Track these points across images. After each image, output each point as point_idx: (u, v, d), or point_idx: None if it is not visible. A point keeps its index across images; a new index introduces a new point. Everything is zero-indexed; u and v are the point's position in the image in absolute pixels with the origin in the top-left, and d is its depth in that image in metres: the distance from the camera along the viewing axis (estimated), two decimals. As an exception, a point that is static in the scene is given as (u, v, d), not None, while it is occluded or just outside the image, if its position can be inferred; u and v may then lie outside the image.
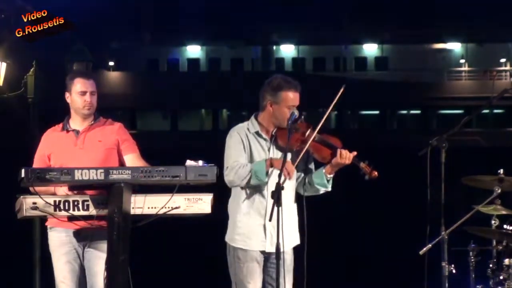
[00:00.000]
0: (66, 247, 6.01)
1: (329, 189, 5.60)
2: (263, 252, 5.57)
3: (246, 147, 5.59)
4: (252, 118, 5.68)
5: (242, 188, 5.57)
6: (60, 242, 6.01)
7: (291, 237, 5.60)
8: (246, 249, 5.55)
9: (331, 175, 5.51)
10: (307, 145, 5.38)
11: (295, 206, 5.68)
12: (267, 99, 5.58)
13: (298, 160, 5.41)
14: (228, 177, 5.54)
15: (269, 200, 5.39)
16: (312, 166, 5.68)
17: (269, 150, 5.58)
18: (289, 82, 5.59)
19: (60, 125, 6.21)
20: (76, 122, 6.16)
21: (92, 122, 6.16)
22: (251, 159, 5.57)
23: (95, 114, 6.20)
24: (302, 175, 5.62)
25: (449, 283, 6.15)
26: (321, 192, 5.62)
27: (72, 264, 5.99)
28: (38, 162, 6.13)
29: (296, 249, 5.76)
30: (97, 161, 5.94)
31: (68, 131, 6.15)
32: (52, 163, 6.06)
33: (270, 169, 5.43)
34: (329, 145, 5.47)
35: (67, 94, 6.19)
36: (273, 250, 5.46)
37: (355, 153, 5.45)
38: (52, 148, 6.10)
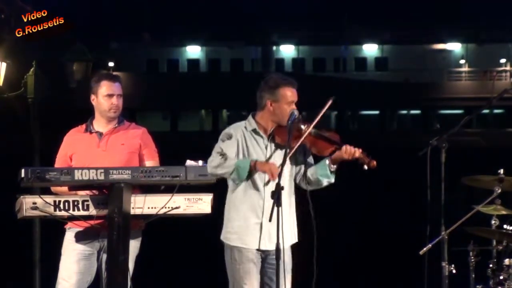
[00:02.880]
0: (81, 246, 5.97)
1: (332, 180, 5.58)
2: (259, 251, 5.56)
3: (241, 144, 5.58)
4: (250, 117, 5.69)
5: (238, 185, 5.55)
6: (75, 240, 5.98)
7: (289, 235, 5.59)
8: (242, 247, 5.54)
9: (335, 166, 5.52)
10: (303, 138, 5.39)
11: (293, 202, 5.66)
12: (266, 98, 5.59)
13: (291, 153, 5.40)
14: (213, 162, 5.48)
15: (267, 199, 5.39)
16: (311, 159, 5.68)
17: (266, 147, 5.58)
18: (285, 79, 5.61)
19: (83, 126, 6.17)
20: (100, 124, 6.14)
21: (116, 125, 6.14)
22: (247, 157, 5.57)
23: (119, 117, 6.17)
24: (302, 169, 5.61)
25: (449, 283, 6.15)
26: (324, 184, 5.60)
27: (80, 265, 5.96)
28: (60, 162, 6.11)
29: (295, 249, 5.74)
30: (119, 164, 5.89)
31: (91, 132, 6.11)
32: (74, 163, 6.03)
33: (254, 171, 5.42)
34: (327, 139, 5.47)
35: (92, 97, 6.13)
36: (271, 248, 5.45)
37: (360, 150, 5.46)
38: (75, 148, 6.08)
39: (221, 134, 5.68)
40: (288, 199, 5.60)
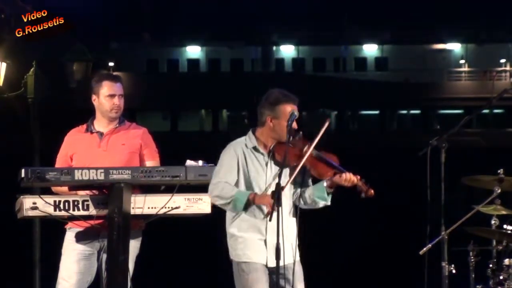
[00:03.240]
0: (81, 246, 5.97)
1: (329, 203, 5.54)
2: (267, 267, 5.53)
3: (241, 163, 5.54)
4: (250, 133, 5.65)
5: None
6: (75, 240, 5.98)
7: (296, 249, 5.55)
8: (249, 261, 5.52)
9: (331, 190, 5.49)
10: (304, 160, 5.36)
11: (294, 220, 5.61)
12: (266, 114, 5.55)
13: (294, 175, 5.39)
14: (212, 192, 5.49)
15: (263, 214, 5.41)
16: (310, 181, 5.65)
17: (266, 165, 5.55)
18: (286, 96, 5.56)
19: (84, 126, 6.17)
20: (100, 124, 6.14)
21: (117, 125, 6.14)
22: (248, 175, 5.54)
23: (120, 117, 6.17)
24: (299, 189, 5.58)
25: (449, 283, 6.15)
26: (320, 206, 5.57)
27: (80, 265, 5.96)
28: (60, 162, 6.11)
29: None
30: (119, 164, 5.90)
31: (92, 132, 6.12)
32: (74, 163, 6.03)
33: (252, 205, 5.41)
34: (327, 163, 5.44)
35: (93, 97, 6.13)
36: (275, 265, 5.44)
37: (358, 177, 5.42)
38: (75, 148, 6.08)
39: (222, 153, 5.63)
40: (289, 217, 5.55)
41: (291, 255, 5.42)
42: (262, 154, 5.56)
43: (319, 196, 5.50)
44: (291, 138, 5.42)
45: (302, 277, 5.60)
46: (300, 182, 5.56)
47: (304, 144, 5.45)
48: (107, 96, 6.06)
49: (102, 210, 5.71)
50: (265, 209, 5.39)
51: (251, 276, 5.49)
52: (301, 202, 5.56)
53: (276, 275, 5.30)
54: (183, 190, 5.77)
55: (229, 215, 5.57)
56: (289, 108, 5.51)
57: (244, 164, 5.53)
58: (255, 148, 5.56)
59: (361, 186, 5.39)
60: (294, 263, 5.35)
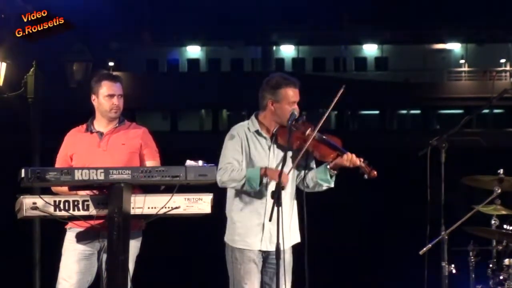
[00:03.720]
0: (81, 246, 5.98)
1: (332, 185, 5.58)
2: (261, 251, 5.56)
3: (244, 147, 5.58)
4: (253, 117, 5.69)
5: (241, 189, 5.57)
6: (75, 240, 5.98)
7: (290, 235, 5.60)
8: (245, 249, 5.56)
9: (335, 172, 5.50)
10: (307, 143, 5.39)
11: (294, 203, 5.67)
12: (267, 98, 5.58)
13: (298, 159, 5.41)
14: (222, 177, 5.52)
15: (269, 199, 5.40)
16: (313, 164, 5.69)
17: (269, 148, 5.59)
18: (287, 79, 5.60)
19: (84, 126, 6.18)
20: (100, 124, 6.14)
21: (117, 125, 6.14)
22: (250, 158, 5.58)
23: (120, 117, 6.17)
24: (303, 172, 5.61)
25: (449, 283, 6.15)
26: (324, 188, 5.60)
27: (81, 265, 5.97)
28: (60, 162, 6.12)
29: (297, 249, 5.75)
30: (119, 164, 5.90)
31: (92, 132, 6.12)
32: (74, 163, 6.04)
33: (265, 179, 5.43)
34: (330, 145, 5.47)
35: (93, 97, 6.13)
36: (272, 248, 5.46)
37: (361, 159, 5.44)
38: (75, 148, 6.09)
39: (226, 138, 5.67)
40: (290, 201, 5.60)
41: (287, 240, 5.43)
42: (265, 138, 5.59)
43: (321, 179, 5.52)
44: (293, 129, 5.44)
45: (291, 265, 5.62)
46: (303, 165, 5.59)
47: (306, 127, 5.47)
48: (106, 96, 6.06)
49: (102, 210, 5.71)
50: (268, 192, 5.40)
51: (243, 266, 5.54)
52: (305, 185, 5.57)
53: (276, 275, 5.31)
54: (183, 190, 5.77)
55: (229, 198, 5.61)
56: (291, 92, 5.54)
57: (247, 147, 5.57)
58: (257, 132, 5.59)
59: (364, 168, 5.41)
60: (283, 251, 5.33)
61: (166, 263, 11.68)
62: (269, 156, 5.56)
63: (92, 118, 6.19)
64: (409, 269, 7.21)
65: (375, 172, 5.43)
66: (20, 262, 9.98)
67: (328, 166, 5.49)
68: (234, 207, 5.61)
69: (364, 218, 15.00)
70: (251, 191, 5.51)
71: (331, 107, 5.43)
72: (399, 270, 10.44)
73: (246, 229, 5.56)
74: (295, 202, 5.67)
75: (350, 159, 5.39)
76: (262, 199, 5.54)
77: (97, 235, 5.93)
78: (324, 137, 5.48)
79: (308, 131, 5.44)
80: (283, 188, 5.27)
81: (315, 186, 5.59)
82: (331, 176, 5.51)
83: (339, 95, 5.43)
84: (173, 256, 12.02)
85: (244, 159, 5.58)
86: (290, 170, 5.38)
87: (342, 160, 5.41)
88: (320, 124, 5.42)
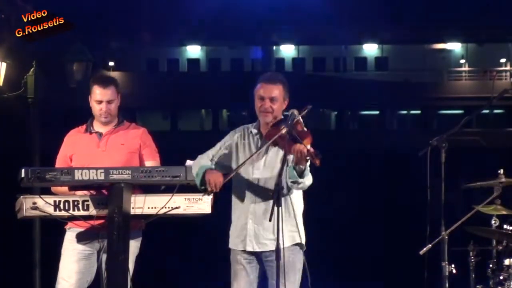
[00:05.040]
0: (80, 246, 5.98)
1: (303, 181, 5.34)
2: (247, 252, 5.53)
3: (232, 144, 5.57)
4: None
5: (235, 189, 5.57)
6: (75, 240, 5.98)
7: (285, 236, 5.49)
8: (233, 249, 5.58)
9: (299, 166, 5.27)
10: (273, 138, 5.32)
11: (291, 203, 5.56)
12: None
13: (253, 154, 5.36)
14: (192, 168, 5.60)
15: (257, 201, 5.41)
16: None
17: (256, 146, 5.55)
18: (264, 76, 5.57)
19: (83, 126, 6.19)
20: (99, 125, 6.15)
21: (116, 126, 6.15)
22: (236, 156, 5.57)
23: (120, 118, 6.18)
24: (285, 168, 5.46)
25: (449, 283, 6.14)
26: (299, 186, 5.45)
27: (80, 265, 5.97)
28: (60, 162, 6.12)
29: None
30: (118, 164, 5.91)
31: (91, 133, 6.13)
32: (74, 164, 6.04)
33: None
34: (294, 140, 5.34)
35: (89, 98, 6.16)
36: (258, 249, 5.46)
37: (310, 149, 5.26)
38: (75, 149, 6.09)
39: None
40: (268, 205, 5.47)
41: (272, 243, 5.39)
42: (259, 138, 5.57)
43: (290, 176, 5.39)
44: (292, 130, 5.39)
45: (293, 266, 5.55)
46: (282, 161, 5.41)
47: (284, 125, 5.37)
48: (94, 101, 6.08)
49: (102, 210, 5.72)
50: (253, 193, 5.40)
51: (232, 267, 5.57)
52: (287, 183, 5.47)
53: (276, 275, 5.30)
54: (183, 190, 5.78)
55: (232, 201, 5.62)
56: (260, 88, 5.49)
57: (234, 147, 5.56)
58: (256, 132, 5.57)
59: (310, 154, 5.22)
60: (276, 251, 5.28)
61: (166, 263, 11.68)
62: (252, 155, 5.47)
63: (92, 118, 6.20)
64: (409, 269, 7.21)
65: (318, 161, 5.24)
66: (20, 262, 9.98)
67: (290, 162, 5.39)
68: (232, 207, 5.63)
69: (364, 218, 15.00)
70: (241, 186, 5.48)
71: (302, 113, 5.36)
72: (399, 270, 10.45)
73: (235, 229, 5.58)
74: (293, 201, 5.57)
75: (297, 149, 5.24)
76: (248, 201, 5.52)
77: (97, 235, 5.93)
78: (293, 133, 5.34)
79: (281, 128, 5.35)
80: (283, 188, 5.25)
81: (292, 184, 5.47)
82: (298, 173, 5.39)
83: (305, 111, 5.37)
84: (173, 256, 12.02)
85: (234, 159, 5.56)
86: (235, 170, 5.36)
87: (293, 152, 5.28)
88: (291, 121, 5.33)
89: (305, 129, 5.40)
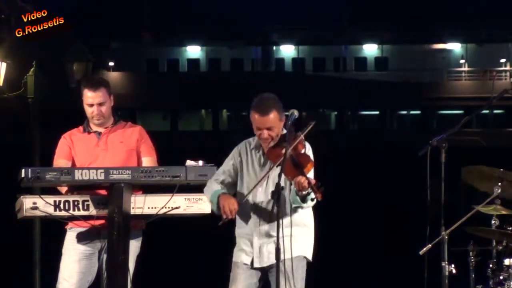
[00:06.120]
0: (82, 246, 5.98)
1: (301, 205, 5.35)
2: (253, 268, 5.50)
3: (236, 163, 5.54)
4: None
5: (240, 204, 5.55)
6: (76, 240, 5.99)
7: (296, 246, 5.47)
8: (235, 261, 5.55)
9: (302, 192, 5.24)
10: (277, 163, 5.31)
11: (292, 218, 5.51)
12: None
13: (263, 176, 5.34)
14: (205, 191, 5.58)
15: (255, 218, 5.42)
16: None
17: (262, 164, 5.53)
18: (256, 104, 5.48)
19: (80, 128, 6.19)
20: (95, 125, 6.17)
21: (113, 125, 6.16)
22: (241, 174, 5.54)
23: (115, 117, 6.19)
24: (291, 187, 5.46)
25: (449, 283, 6.14)
26: (302, 208, 5.45)
27: (81, 265, 5.97)
28: (60, 155, 6.12)
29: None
30: (118, 162, 5.93)
31: (89, 132, 6.14)
32: (75, 163, 6.05)
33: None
34: (295, 164, 5.32)
35: (82, 101, 6.16)
36: (264, 264, 5.44)
37: (313, 182, 5.24)
38: (74, 149, 6.09)
39: None
40: (271, 218, 5.46)
41: (272, 257, 5.36)
42: (262, 153, 5.55)
43: (293, 201, 5.39)
44: (292, 130, 5.39)
45: (297, 273, 5.52)
46: (280, 170, 5.40)
47: (285, 143, 5.36)
48: (86, 104, 6.08)
49: (102, 210, 5.72)
50: (253, 214, 5.40)
51: (232, 273, 5.54)
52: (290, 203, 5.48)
53: (276, 274, 5.29)
54: (183, 190, 5.78)
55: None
56: (254, 118, 5.45)
57: (239, 164, 5.53)
58: (255, 148, 5.56)
59: (312, 187, 5.21)
60: (278, 263, 5.27)
61: (166, 263, 11.67)
62: (257, 174, 5.47)
63: (88, 119, 6.20)
64: (409, 269, 7.21)
65: (319, 196, 5.25)
66: (20, 262, 9.98)
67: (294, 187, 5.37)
68: (236, 224, 5.59)
69: (364, 218, 15.00)
70: (244, 202, 5.47)
71: (305, 132, 5.34)
72: (399, 270, 10.45)
73: (240, 246, 5.55)
74: (292, 215, 5.51)
75: (298, 181, 5.25)
76: (252, 219, 5.50)
77: (98, 235, 5.93)
78: (294, 156, 5.33)
79: (284, 149, 5.33)
80: (283, 188, 5.24)
81: (296, 207, 5.47)
82: (301, 198, 5.36)
83: (309, 128, 5.35)
84: (173, 256, 12.02)
85: (239, 176, 5.54)
86: (249, 193, 5.35)
87: (294, 183, 5.28)
88: (294, 144, 5.32)
89: (307, 146, 5.37)
